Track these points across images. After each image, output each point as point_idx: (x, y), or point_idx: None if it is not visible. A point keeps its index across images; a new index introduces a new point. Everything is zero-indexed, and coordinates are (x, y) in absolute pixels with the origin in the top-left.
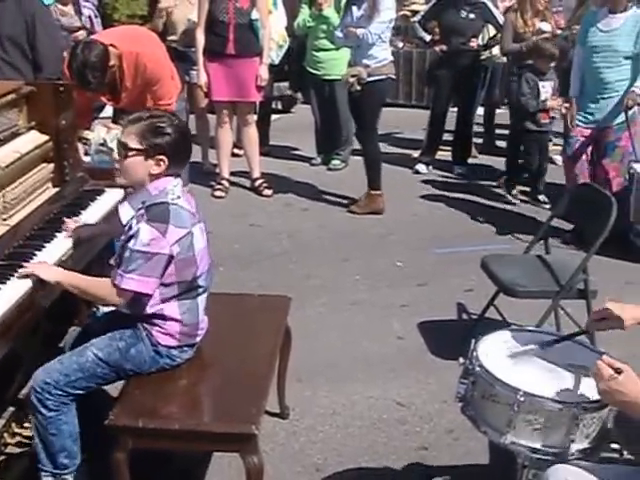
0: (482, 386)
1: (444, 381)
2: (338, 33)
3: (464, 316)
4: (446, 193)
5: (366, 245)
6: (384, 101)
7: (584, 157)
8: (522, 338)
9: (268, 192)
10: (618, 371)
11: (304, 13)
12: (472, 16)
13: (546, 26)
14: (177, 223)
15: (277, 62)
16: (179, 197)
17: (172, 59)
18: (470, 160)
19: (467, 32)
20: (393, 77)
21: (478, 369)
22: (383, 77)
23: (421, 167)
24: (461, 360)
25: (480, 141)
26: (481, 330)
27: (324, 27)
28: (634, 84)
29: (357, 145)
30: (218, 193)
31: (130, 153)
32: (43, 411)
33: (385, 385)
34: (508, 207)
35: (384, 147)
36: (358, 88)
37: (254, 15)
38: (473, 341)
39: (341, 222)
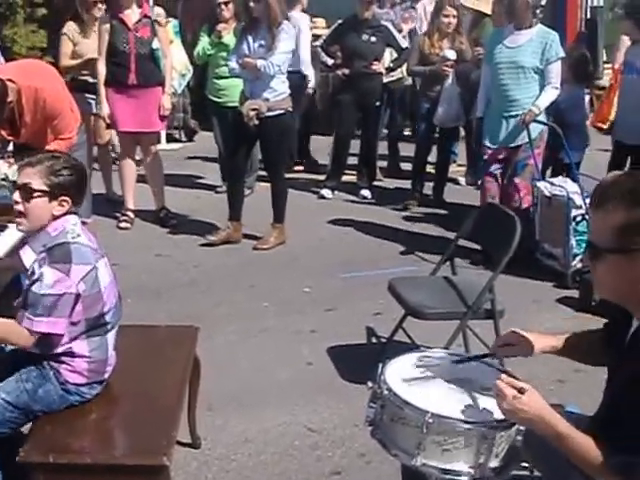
0: (391, 409)
1: (355, 405)
2: (232, 64)
3: (373, 340)
4: (352, 217)
5: (273, 271)
6: (289, 135)
7: (497, 177)
8: (430, 360)
9: (173, 222)
10: (521, 391)
11: (204, 41)
12: (373, 39)
13: (451, 54)
14: (80, 260)
15: (180, 91)
16: (79, 235)
17: (73, 90)
18: (375, 183)
19: (369, 55)
20: (291, 110)
21: (386, 392)
22: (283, 112)
23: (326, 192)
24: (369, 384)
25: (385, 164)
26: (390, 353)
27: (224, 54)
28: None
29: (262, 172)
30: (123, 224)
31: (35, 194)
32: None
33: (296, 411)
34: (414, 229)
35: (289, 172)
36: (256, 122)
37: (155, 44)
38: (381, 365)
39: (248, 249)
